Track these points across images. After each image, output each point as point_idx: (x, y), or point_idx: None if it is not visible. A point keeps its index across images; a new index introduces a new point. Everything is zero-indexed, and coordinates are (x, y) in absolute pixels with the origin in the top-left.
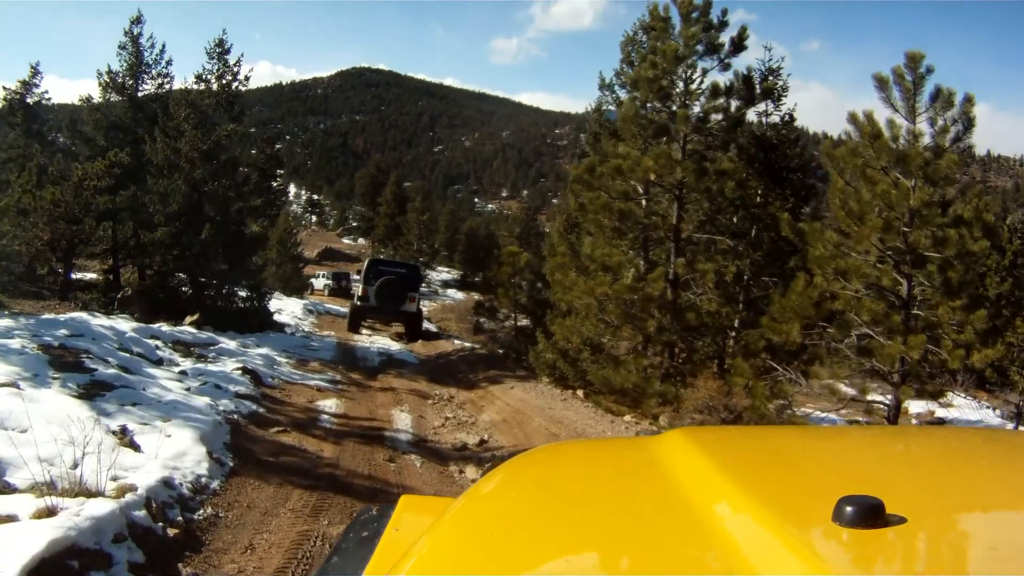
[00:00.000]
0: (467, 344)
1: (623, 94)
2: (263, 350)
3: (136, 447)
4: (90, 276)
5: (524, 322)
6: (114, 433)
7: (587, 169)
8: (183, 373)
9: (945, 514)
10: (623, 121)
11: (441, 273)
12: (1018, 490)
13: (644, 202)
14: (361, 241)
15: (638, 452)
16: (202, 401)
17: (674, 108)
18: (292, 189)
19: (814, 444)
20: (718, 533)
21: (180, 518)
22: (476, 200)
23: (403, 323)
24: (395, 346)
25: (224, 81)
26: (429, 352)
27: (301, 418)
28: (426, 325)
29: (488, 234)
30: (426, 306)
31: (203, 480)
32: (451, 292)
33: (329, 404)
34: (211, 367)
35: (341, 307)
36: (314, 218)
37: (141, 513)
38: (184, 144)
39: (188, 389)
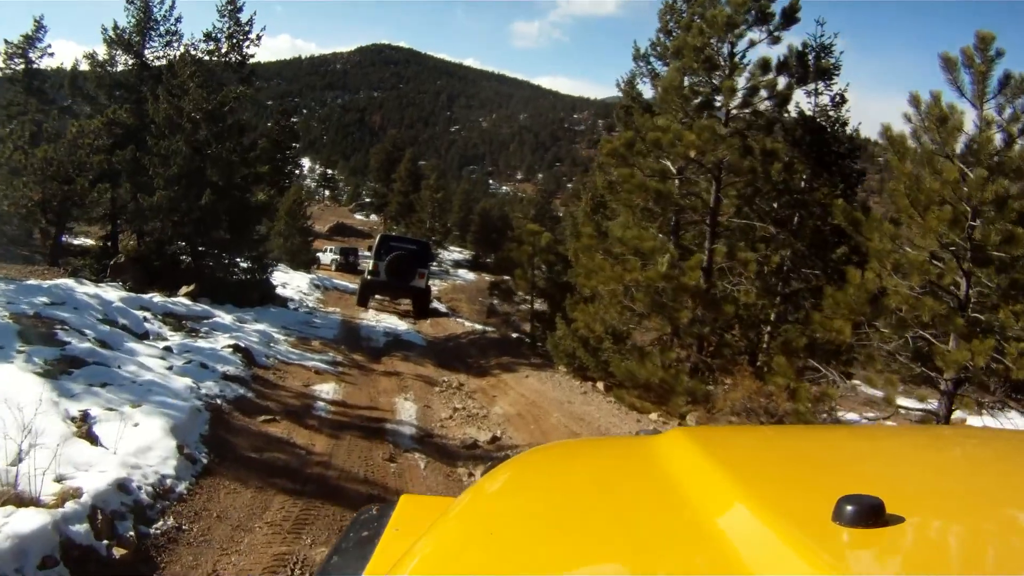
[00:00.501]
0: (478, 326)
1: (659, 66)
2: (261, 326)
3: (94, 439)
4: (90, 242)
5: (541, 306)
6: (72, 420)
7: (625, 143)
8: (167, 349)
9: (945, 514)
10: (664, 92)
11: (453, 253)
12: (1018, 490)
13: (677, 183)
14: (374, 217)
15: (638, 451)
16: (182, 383)
17: (717, 81)
18: (307, 163)
19: (814, 444)
20: (718, 533)
21: (132, 533)
22: (491, 182)
23: (411, 298)
24: (402, 326)
25: (235, 40)
26: (438, 334)
27: (294, 404)
28: (436, 305)
29: (502, 215)
30: (436, 286)
31: (168, 482)
32: (462, 272)
33: (327, 389)
34: (200, 343)
35: (349, 283)
36: (327, 192)
37: (82, 528)
38: (187, 103)
39: (170, 368)
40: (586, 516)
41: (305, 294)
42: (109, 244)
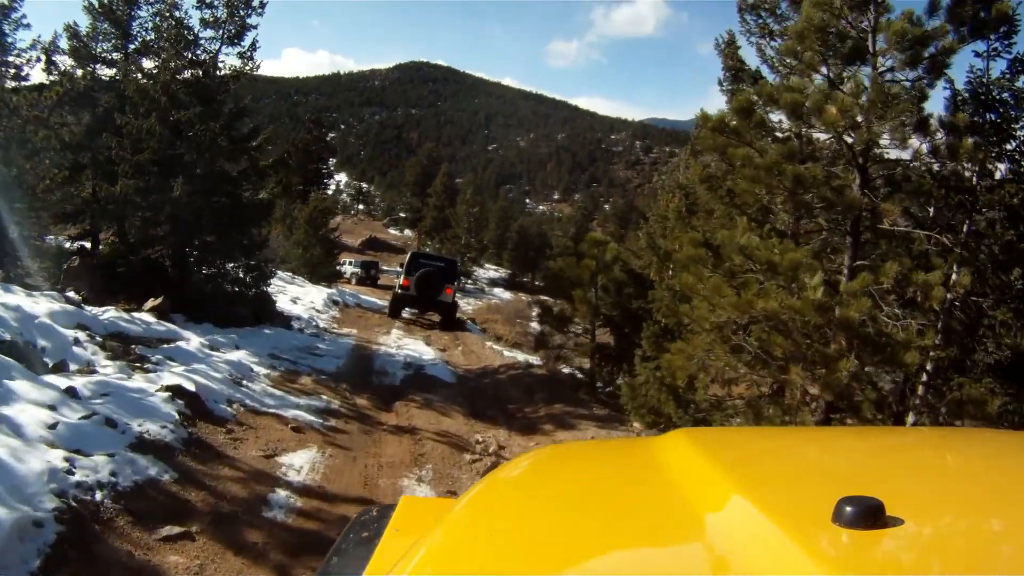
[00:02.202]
0: (519, 356)
1: (771, 22)
2: (238, 354)
3: None
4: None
5: (605, 337)
6: None
7: (739, 110)
8: (69, 392)
9: (945, 515)
10: (800, 36)
11: (488, 271)
12: (1018, 491)
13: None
14: (408, 232)
15: (639, 453)
16: (45, 460)
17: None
18: (343, 178)
19: (814, 444)
20: (718, 533)
21: None
22: (528, 201)
23: (439, 312)
24: (428, 354)
25: (233, 5)
26: (471, 365)
27: (236, 497)
28: (470, 327)
29: (540, 233)
30: (471, 305)
31: None
32: (498, 291)
33: (300, 462)
34: (133, 381)
35: (374, 298)
36: (361, 206)
37: None
38: (164, 73)
39: (53, 427)
40: (586, 517)
41: (317, 311)
42: (86, 245)
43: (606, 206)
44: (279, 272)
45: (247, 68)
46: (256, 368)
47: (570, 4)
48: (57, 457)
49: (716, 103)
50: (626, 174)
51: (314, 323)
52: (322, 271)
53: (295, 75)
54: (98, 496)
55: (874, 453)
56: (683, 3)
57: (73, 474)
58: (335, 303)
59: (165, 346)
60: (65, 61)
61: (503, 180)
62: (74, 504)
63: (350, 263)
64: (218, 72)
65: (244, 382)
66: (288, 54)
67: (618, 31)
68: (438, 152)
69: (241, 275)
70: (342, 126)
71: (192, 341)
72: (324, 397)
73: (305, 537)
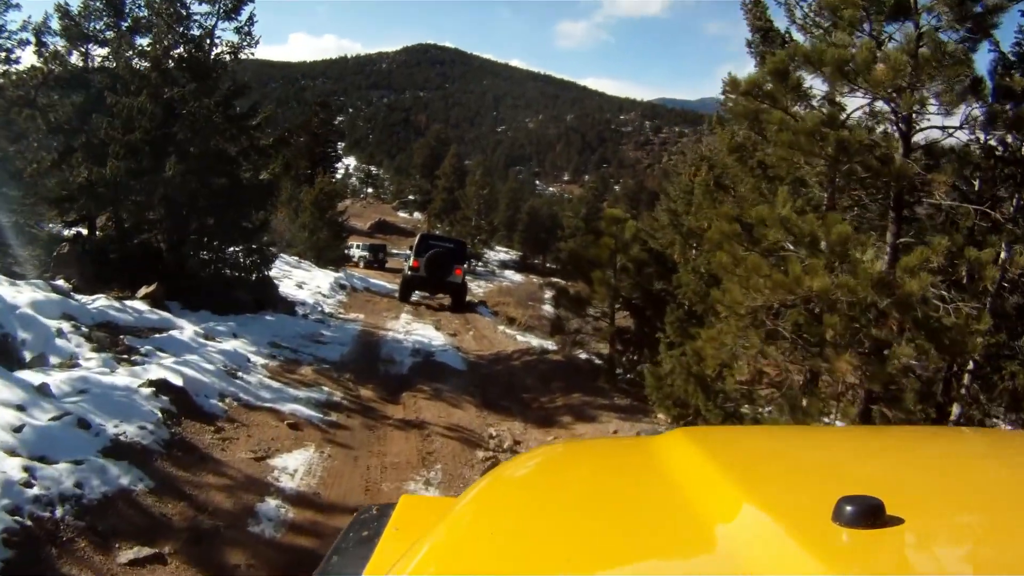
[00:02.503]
0: (534, 342)
1: None
2: (235, 343)
3: None
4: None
5: (624, 321)
6: None
7: (775, 72)
8: (40, 390)
9: (945, 515)
10: None
11: (499, 253)
12: (1019, 490)
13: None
14: (417, 215)
15: (639, 452)
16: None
17: None
18: (352, 161)
19: (814, 444)
20: (718, 533)
21: None
22: (537, 182)
23: (449, 293)
24: (438, 340)
25: None
26: (483, 351)
27: (220, 509)
28: (481, 310)
29: (551, 214)
30: (482, 288)
31: None
32: (509, 273)
33: (295, 464)
34: (116, 377)
35: (383, 282)
36: (370, 190)
37: None
38: (154, 47)
39: (17, 430)
40: (587, 516)
41: (324, 296)
42: (80, 232)
43: (616, 187)
44: (285, 256)
45: (245, 44)
46: (253, 358)
47: None
48: (15, 467)
49: (727, 79)
50: (636, 154)
51: (319, 308)
52: (329, 254)
53: (302, 60)
54: (58, 512)
55: (874, 453)
56: None
57: (32, 486)
58: (342, 287)
59: (157, 336)
60: (57, 42)
61: (512, 162)
62: (29, 523)
63: (358, 246)
64: (214, 48)
65: (239, 374)
66: (294, 39)
67: (626, 11)
68: (447, 134)
69: (241, 259)
70: (350, 110)
71: (186, 330)
72: (326, 389)
73: (295, 556)
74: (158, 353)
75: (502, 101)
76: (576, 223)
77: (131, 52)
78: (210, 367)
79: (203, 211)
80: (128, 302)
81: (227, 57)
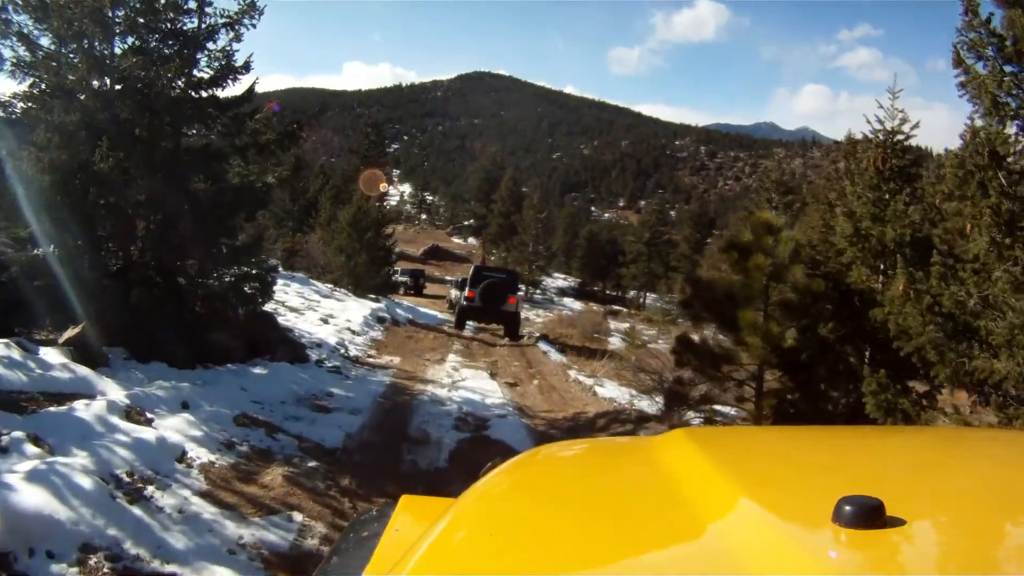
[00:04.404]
0: (616, 394)
1: None
2: (175, 421)
3: None
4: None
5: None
6: None
7: None
8: None
9: (945, 514)
10: None
11: (557, 280)
12: (1019, 490)
13: None
14: (472, 240)
15: (639, 452)
16: None
17: None
18: (407, 188)
19: (814, 444)
20: (718, 532)
21: None
22: (593, 209)
23: (503, 322)
24: (494, 394)
25: None
26: (553, 413)
27: None
28: (547, 348)
29: (610, 240)
30: (540, 317)
31: None
32: (567, 301)
33: None
34: None
35: (431, 311)
36: (424, 216)
37: None
38: None
39: None
40: (586, 516)
41: (353, 333)
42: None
43: (672, 212)
44: (316, 284)
45: (245, 17)
46: (194, 451)
47: (630, 10)
48: None
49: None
50: (691, 180)
51: (341, 351)
52: (369, 281)
53: (357, 88)
54: None
55: (874, 453)
56: (743, 6)
57: None
58: (380, 320)
59: (52, 409)
60: None
61: (568, 188)
62: None
63: (399, 272)
64: (205, 15)
65: (148, 490)
66: (349, 68)
67: (679, 36)
68: (502, 157)
69: (225, 286)
70: (405, 137)
71: (105, 397)
72: (297, 518)
73: None
74: (27, 447)
75: (557, 128)
76: (639, 248)
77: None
78: (87, 484)
79: (167, 222)
80: (44, 350)
81: (221, 27)
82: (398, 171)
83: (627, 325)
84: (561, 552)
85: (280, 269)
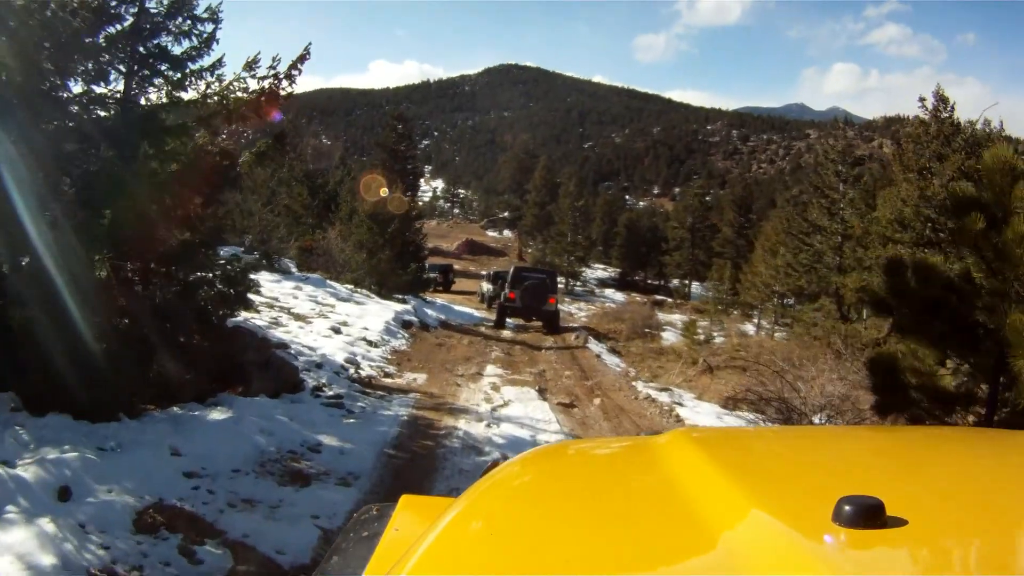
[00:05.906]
0: (702, 418)
1: None
2: (24, 532)
3: None
4: None
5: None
6: None
7: None
8: None
9: (946, 515)
10: None
11: (596, 270)
12: (1019, 490)
13: None
14: (507, 233)
15: (639, 452)
16: None
17: None
18: (440, 184)
19: (814, 444)
20: (718, 533)
21: None
22: (627, 197)
23: (543, 320)
24: (546, 422)
25: None
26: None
27: None
28: (596, 350)
29: (650, 227)
30: (583, 311)
31: None
32: (609, 292)
33: None
34: None
35: (467, 308)
36: (457, 211)
37: None
38: None
39: None
40: (587, 516)
41: (369, 344)
42: None
43: (707, 197)
44: (333, 285)
45: None
46: None
47: None
48: None
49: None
50: (725, 164)
51: (349, 371)
52: (395, 280)
53: (385, 86)
54: None
55: (874, 453)
56: None
57: None
58: (405, 325)
59: None
60: None
61: (601, 177)
62: None
63: (429, 268)
64: None
65: None
66: (375, 66)
67: (704, 20)
68: (534, 141)
69: (177, 294)
70: (435, 133)
71: None
72: None
73: None
74: None
75: (587, 117)
76: (681, 234)
77: None
78: None
79: (82, 205)
80: None
81: None
82: (430, 167)
83: (677, 316)
84: (561, 552)
85: (294, 270)
